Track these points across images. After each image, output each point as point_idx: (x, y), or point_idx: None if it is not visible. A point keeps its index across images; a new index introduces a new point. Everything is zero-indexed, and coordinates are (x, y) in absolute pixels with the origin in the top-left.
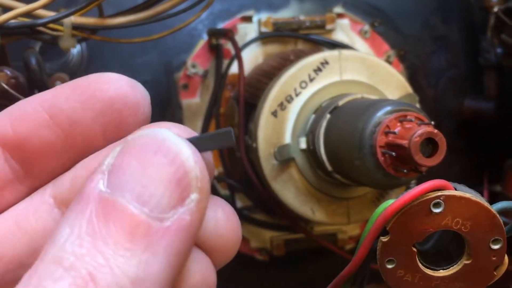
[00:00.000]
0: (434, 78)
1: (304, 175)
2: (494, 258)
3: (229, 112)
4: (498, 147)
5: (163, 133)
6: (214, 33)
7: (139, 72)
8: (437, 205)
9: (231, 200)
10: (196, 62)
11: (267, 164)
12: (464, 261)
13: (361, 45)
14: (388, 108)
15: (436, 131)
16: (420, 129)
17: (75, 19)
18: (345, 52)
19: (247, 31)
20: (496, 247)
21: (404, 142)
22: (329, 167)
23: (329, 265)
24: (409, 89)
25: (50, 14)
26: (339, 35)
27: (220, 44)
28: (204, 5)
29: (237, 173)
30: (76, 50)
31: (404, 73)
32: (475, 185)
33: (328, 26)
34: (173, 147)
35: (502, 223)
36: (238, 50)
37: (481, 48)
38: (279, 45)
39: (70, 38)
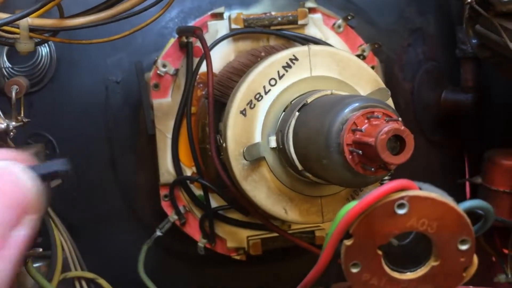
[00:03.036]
0: (411, 71)
1: (276, 174)
2: (462, 259)
3: (201, 112)
4: (477, 139)
5: (3, 162)
6: (183, 31)
7: (110, 73)
8: (401, 206)
9: (205, 200)
10: (167, 61)
11: (237, 164)
12: (432, 262)
13: (334, 39)
14: (355, 105)
15: (403, 127)
16: (386, 126)
17: (31, 20)
18: (314, 47)
19: (218, 28)
20: (464, 247)
21: (371, 140)
22: (299, 166)
23: (307, 262)
24: (380, 83)
25: (4, 16)
26: (312, 30)
27: (190, 42)
28: (166, 3)
29: (211, 173)
30: (44, 51)
31: (379, 66)
32: (455, 177)
33: (300, 21)
34: (12, 174)
35: (470, 224)
36: (206, 48)
37: (457, 40)
38: (251, 41)
39: (27, 40)
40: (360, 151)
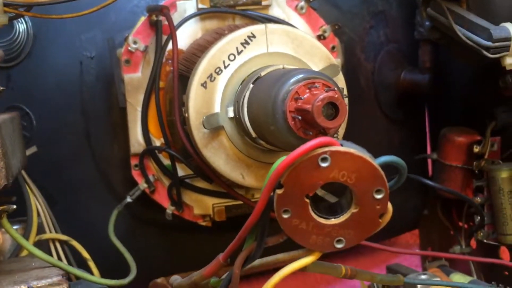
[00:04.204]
0: (372, 52)
1: (234, 142)
2: (378, 207)
3: (169, 86)
4: (438, 117)
5: None
6: (152, 9)
7: (85, 49)
8: (324, 159)
9: (173, 169)
10: (138, 38)
11: (198, 132)
12: (352, 210)
13: (297, 20)
14: (299, 77)
15: (337, 95)
16: (322, 94)
17: None
18: (271, 26)
19: (186, 7)
20: (379, 196)
21: (308, 107)
22: (253, 134)
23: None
24: (332, 60)
25: None
26: (275, 11)
27: (160, 20)
28: None
29: (178, 144)
30: (22, 28)
31: (340, 46)
32: (416, 154)
33: (264, 2)
34: None
35: (383, 175)
36: (172, 26)
37: (416, 22)
38: (218, 21)
39: (2, 14)
40: (300, 117)
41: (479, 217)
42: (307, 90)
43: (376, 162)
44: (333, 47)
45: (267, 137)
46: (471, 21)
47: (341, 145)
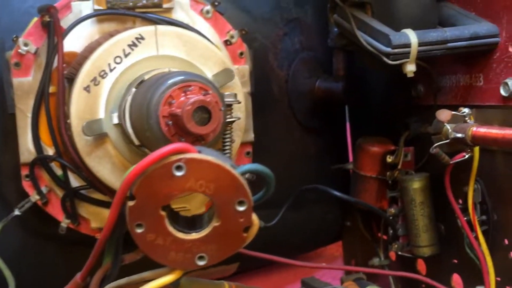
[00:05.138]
0: (286, 59)
1: (120, 150)
2: (241, 220)
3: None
4: (355, 126)
5: None
6: (41, 10)
7: None
8: (179, 168)
9: (65, 180)
10: (29, 40)
11: (80, 139)
12: (214, 223)
13: (202, 24)
14: (175, 79)
15: (209, 99)
16: (193, 98)
17: None
18: (161, 27)
19: (82, 8)
20: (241, 208)
21: (178, 111)
22: (136, 141)
23: None
24: (227, 64)
25: None
26: (179, 14)
27: (51, 21)
28: None
29: (70, 152)
30: None
31: (249, 52)
32: (334, 164)
33: (165, 5)
34: None
35: (244, 185)
36: (58, 27)
37: (329, 30)
38: (117, 23)
39: None
40: (171, 122)
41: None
42: (182, 94)
43: (237, 171)
44: (241, 53)
45: (147, 145)
46: (372, 27)
47: (199, 152)
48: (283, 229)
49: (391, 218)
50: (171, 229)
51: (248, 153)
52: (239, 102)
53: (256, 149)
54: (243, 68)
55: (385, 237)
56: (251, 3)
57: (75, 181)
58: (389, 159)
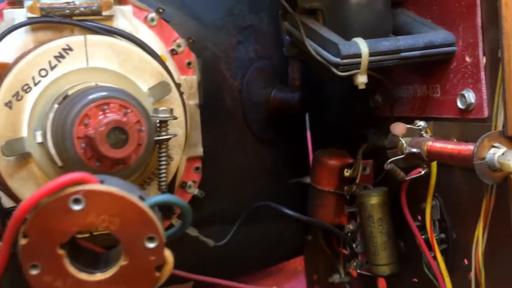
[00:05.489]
0: (240, 69)
1: (45, 171)
2: (152, 258)
3: None
4: (315, 138)
5: None
6: None
7: None
8: (77, 201)
9: None
10: None
11: (1, 160)
12: (122, 262)
13: (146, 33)
14: (93, 96)
15: (126, 119)
16: (107, 118)
17: None
18: (92, 37)
19: (15, 16)
20: (152, 245)
21: (91, 133)
22: (59, 162)
23: None
24: (165, 77)
25: None
26: (121, 23)
27: None
28: None
29: None
30: None
31: (196, 62)
32: (292, 177)
33: (105, 12)
34: None
35: (154, 219)
36: None
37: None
38: (53, 32)
39: None
40: (83, 144)
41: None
42: (100, 112)
43: (145, 204)
44: (189, 63)
45: (68, 167)
46: (322, 36)
47: (102, 182)
48: (239, 245)
49: (349, 234)
50: (71, 269)
51: (197, 168)
52: (175, 118)
53: (208, 163)
54: (191, 78)
55: (345, 251)
56: (202, 10)
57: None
58: (347, 172)
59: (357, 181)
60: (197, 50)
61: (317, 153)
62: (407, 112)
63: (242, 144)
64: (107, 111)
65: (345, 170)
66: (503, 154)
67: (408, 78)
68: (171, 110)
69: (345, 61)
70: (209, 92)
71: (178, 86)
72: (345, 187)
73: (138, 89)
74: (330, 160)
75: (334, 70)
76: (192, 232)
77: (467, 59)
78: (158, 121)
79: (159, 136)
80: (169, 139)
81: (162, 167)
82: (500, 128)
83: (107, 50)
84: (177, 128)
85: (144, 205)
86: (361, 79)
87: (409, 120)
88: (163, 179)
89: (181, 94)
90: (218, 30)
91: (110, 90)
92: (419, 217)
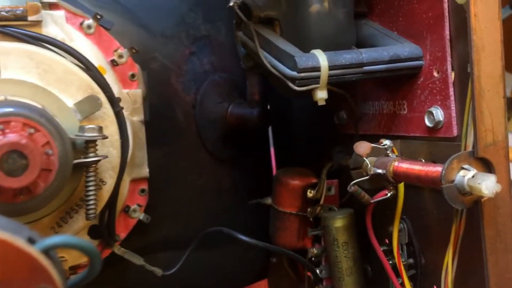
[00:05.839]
0: (194, 82)
1: None
2: None
3: None
4: (279, 157)
5: None
6: None
7: None
8: None
9: None
10: None
11: None
12: None
13: (82, 41)
14: None
15: (26, 141)
16: (2, 139)
17: None
18: (5, 44)
19: None
20: None
21: None
22: None
23: None
24: (95, 90)
25: None
26: (51, 29)
27: None
28: None
29: None
30: None
31: (141, 75)
32: (248, 198)
33: (31, 17)
34: None
35: (47, 266)
36: None
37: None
38: None
39: None
40: None
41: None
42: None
43: (35, 248)
44: (133, 75)
45: None
46: (278, 47)
47: None
48: (193, 272)
49: (313, 259)
50: None
51: (142, 190)
52: (105, 137)
53: (156, 184)
54: (135, 92)
55: (309, 274)
56: (149, 17)
57: None
58: (310, 193)
59: (321, 202)
60: (144, 61)
61: (278, 173)
62: (373, 130)
63: (196, 164)
64: (6, 131)
65: (309, 190)
66: (473, 176)
67: (373, 93)
68: (100, 129)
69: (303, 74)
70: (158, 107)
71: (117, 100)
72: (309, 209)
73: (61, 104)
74: (292, 180)
75: (290, 84)
76: (137, 260)
77: (435, 74)
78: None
79: (86, 157)
80: (97, 161)
81: (90, 193)
82: (470, 148)
83: (24, 59)
84: (110, 148)
85: (33, 250)
86: (320, 95)
87: (375, 138)
88: (91, 206)
89: (119, 109)
90: (169, 40)
91: (14, 106)
92: (387, 241)
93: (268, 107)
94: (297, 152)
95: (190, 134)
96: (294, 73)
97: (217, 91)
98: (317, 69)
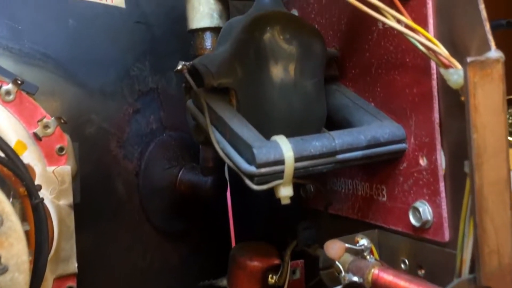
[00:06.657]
0: (137, 146)
1: None
2: None
3: None
4: (239, 232)
5: None
6: None
7: None
8: None
9: None
10: None
11: None
12: None
13: None
14: None
15: None
16: None
17: None
18: None
19: None
20: None
21: None
22: None
23: None
24: None
25: None
26: None
27: None
28: None
29: None
30: None
31: (72, 147)
32: (199, 279)
33: None
34: None
35: None
36: None
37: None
38: None
39: None
40: None
41: None
42: None
43: None
44: (61, 149)
45: None
46: (233, 131)
47: None
48: None
49: None
50: None
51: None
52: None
53: (90, 276)
54: (63, 170)
55: None
56: (85, 72)
57: None
58: (272, 279)
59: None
60: (78, 126)
61: (235, 250)
62: (345, 212)
63: (139, 242)
64: None
65: (270, 276)
66: None
67: (346, 169)
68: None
69: (263, 170)
70: (94, 180)
71: (36, 190)
72: None
73: None
74: (251, 262)
75: (248, 182)
76: None
77: (421, 162)
78: None
79: None
80: None
81: None
82: (467, 264)
83: None
84: (15, 273)
85: None
86: (285, 192)
87: (348, 221)
88: None
89: (39, 202)
90: (108, 97)
91: None
92: None
93: (226, 172)
94: (258, 224)
95: (131, 207)
96: (252, 169)
97: (165, 155)
98: (281, 162)
